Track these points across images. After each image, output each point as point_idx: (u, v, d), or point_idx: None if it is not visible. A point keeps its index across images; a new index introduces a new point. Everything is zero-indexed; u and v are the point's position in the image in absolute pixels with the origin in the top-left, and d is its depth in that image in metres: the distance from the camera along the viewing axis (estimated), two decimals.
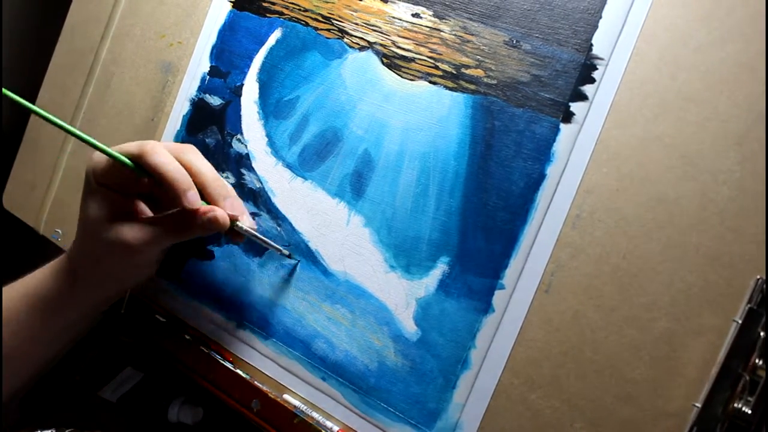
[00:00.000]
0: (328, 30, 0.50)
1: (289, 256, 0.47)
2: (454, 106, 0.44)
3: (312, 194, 0.48)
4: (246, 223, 0.45)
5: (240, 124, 0.52)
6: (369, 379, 0.44)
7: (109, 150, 0.41)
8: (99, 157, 0.42)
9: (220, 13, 0.54)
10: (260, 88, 0.52)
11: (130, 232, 0.41)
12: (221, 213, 0.42)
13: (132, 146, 0.42)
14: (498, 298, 0.41)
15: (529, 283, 0.40)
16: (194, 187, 0.41)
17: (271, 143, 0.50)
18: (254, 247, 0.50)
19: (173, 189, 0.40)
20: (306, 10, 0.51)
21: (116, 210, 0.42)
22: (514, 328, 0.40)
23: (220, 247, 0.51)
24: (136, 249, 0.41)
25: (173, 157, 0.42)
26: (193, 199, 0.40)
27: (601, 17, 0.41)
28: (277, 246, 0.47)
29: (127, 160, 0.41)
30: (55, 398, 0.57)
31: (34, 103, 0.64)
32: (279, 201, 0.49)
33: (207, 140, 0.53)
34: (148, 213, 0.46)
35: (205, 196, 0.43)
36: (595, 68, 0.41)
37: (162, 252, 0.49)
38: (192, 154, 0.44)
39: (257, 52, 0.52)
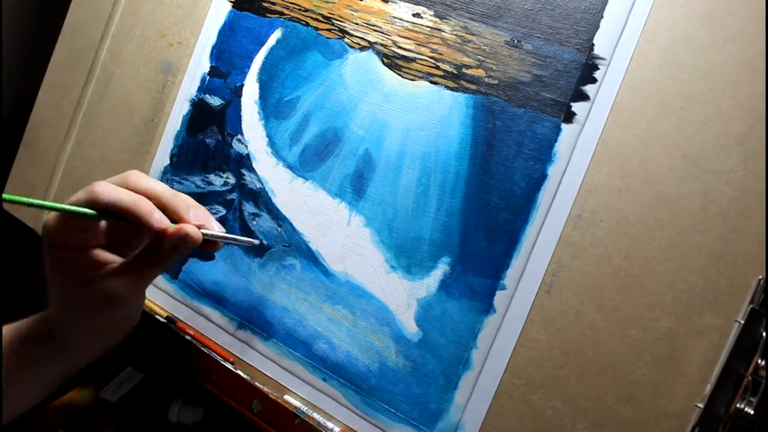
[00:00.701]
0: (329, 30, 0.50)
1: (261, 244, 0.48)
2: (455, 106, 0.44)
3: (313, 195, 0.48)
4: (214, 227, 0.42)
5: (240, 124, 0.52)
6: (370, 379, 0.44)
7: (61, 206, 0.38)
8: (50, 221, 0.39)
9: (220, 13, 0.54)
10: (261, 89, 0.51)
11: (110, 285, 0.38)
12: (190, 228, 0.39)
13: (80, 195, 0.38)
14: (499, 298, 0.41)
15: (531, 283, 0.40)
16: (156, 208, 0.39)
17: (272, 143, 0.50)
18: (254, 247, 0.50)
19: (137, 217, 0.38)
20: (306, 10, 0.51)
21: (84, 268, 0.40)
22: (515, 328, 0.40)
23: None
24: (120, 300, 0.39)
25: (122, 187, 0.39)
26: (160, 219, 0.38)
27: (602, 17, 0.41)
28: (251, 240, 0.46)
29: (82, 209, 0.38)
30: (55, 399, 0.57)
31: (34, 102, 0.64)
32: (280, 201, 0.49)
33: (207, 140, 0.53)
34: (114, 260, 0.42)
35: (167, 213, 0.40)
36: (596, 68, 0.40)
37: (143, 295, 0.46)
38: (138, 177, 0.40)
39: (257, 52, 0.52)
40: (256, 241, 0.47)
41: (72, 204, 0.38)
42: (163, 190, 0.40)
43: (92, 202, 0.38)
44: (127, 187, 0.39)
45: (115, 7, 0.59)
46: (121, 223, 0.40)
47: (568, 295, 0.39)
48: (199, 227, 0.40)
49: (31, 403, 0.46)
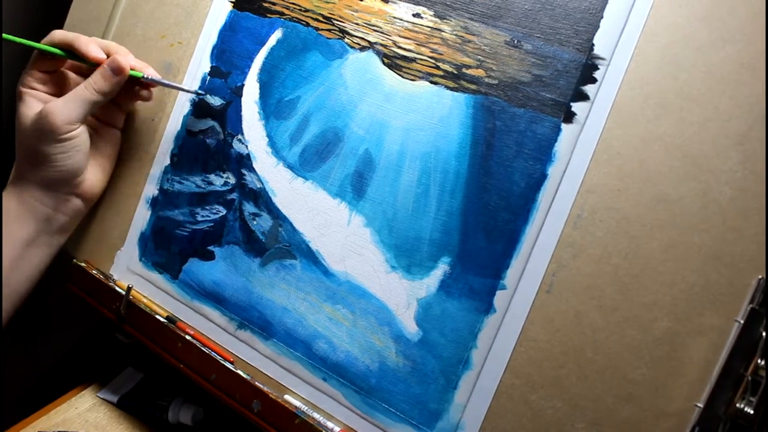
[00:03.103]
0: (329, 30, 0.50)
1: (198, 94, 0.54)
2: (455, 106, 0.44)
3: (313, 194, 0.48)
4: (152, 74, 0.52)
5: (241, 124, 0.52)
6: (370, 379, 0.44)
7: (25, 41, 0.48)
8: (28, 66, 0.51)
9: (221, 13, 0.54)
10: (261, 89, 0.52)
11: (47, 106, 0.48)
12: (121, 58, 0.49)
13: (44, 39, 0.50)
14: (499, 298, 0.41)
15: (531, 283, 0.40)
16: (94, 43, 0.49)
17: (272, 143, 0.50)
18: (255, 246, 0.50)
19: (76, 48, 0.49)
20: (307, 11, 0.51)
21: (38, 101, 0.50)
22: (515, 328, 0.40)
23: (221, 247, 0.51)
24: (56, 121, 0.47)
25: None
26: (96, 50, 0.49)
27: (602, 17, 0.41)
28: (187, 88, 0.53)
29: (48, 47, 0.49)
30: (55, 397, 0.57)
31: None
32: (280, 201, 0.49)
33: (208, 140, 0.53)
34: None
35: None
36: (596, 68, 0.41)
37: (88, 133, 0.52)
38: (88, 40, 0.50)
39: (258, 52, 0.52)
40: (192, 90, 0.54)
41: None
42: (113, 44, 0.52)
43: (49, 41, 0.50)
44: (79, 40, 0.50)
45: (115, 8, 0.60)
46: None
47: (567, 294, 0.39)
48: (135, 68, 0.51)
49: (26, 282, 0.53)
